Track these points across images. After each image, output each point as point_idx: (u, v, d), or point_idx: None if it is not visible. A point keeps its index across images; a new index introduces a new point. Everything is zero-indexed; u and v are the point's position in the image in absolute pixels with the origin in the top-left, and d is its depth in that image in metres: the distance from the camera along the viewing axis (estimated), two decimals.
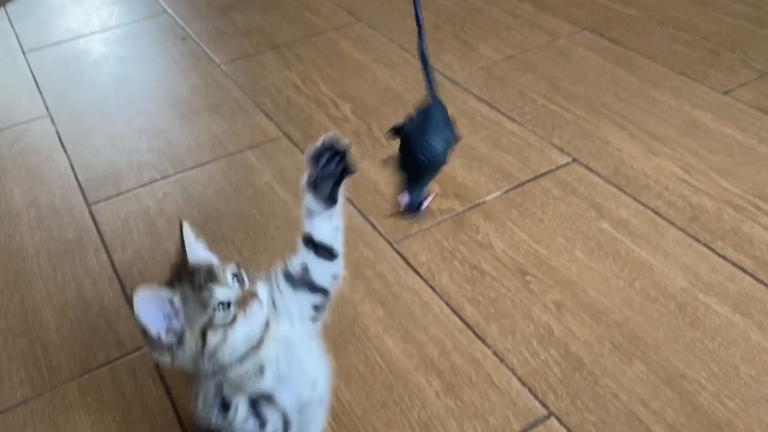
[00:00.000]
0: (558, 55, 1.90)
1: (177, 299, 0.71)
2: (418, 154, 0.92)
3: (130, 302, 1.24)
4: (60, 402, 1.10)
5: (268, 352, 0.75)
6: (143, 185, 1.55)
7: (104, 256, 1.37)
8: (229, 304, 0.72)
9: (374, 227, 1.39)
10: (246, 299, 0.72)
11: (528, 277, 1.25)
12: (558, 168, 1.50)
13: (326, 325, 1.19)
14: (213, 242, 1.37)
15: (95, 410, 1.08)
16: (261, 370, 0.75)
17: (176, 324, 0.71)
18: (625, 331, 1.14)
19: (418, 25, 0.94)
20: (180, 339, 0.71)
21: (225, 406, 0.76)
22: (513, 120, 1.66)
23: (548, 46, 1.95)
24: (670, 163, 1.49)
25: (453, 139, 0.97)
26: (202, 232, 1.40)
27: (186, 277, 0.73)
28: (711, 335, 1.12)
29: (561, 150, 1.55)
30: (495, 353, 1.12)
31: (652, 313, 1.17)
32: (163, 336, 0.71)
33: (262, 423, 0.77)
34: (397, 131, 0.95)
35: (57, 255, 1.38)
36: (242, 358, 0.74)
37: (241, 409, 0.76)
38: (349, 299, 1.24)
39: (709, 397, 1.03)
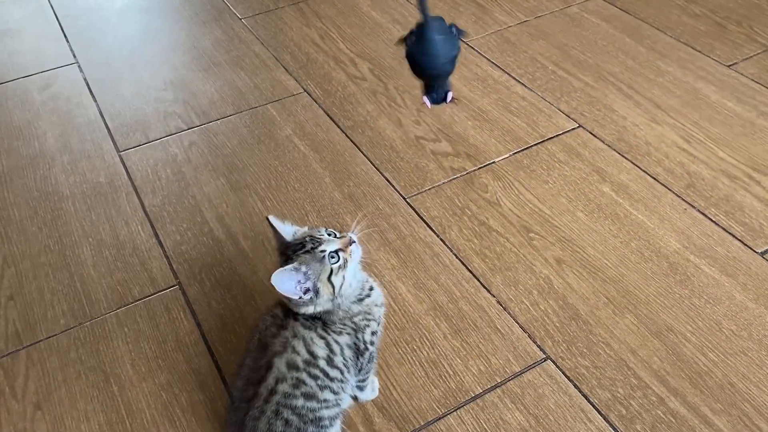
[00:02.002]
0: (570, 23, 1.96)
1: (303, 267, 0.91)
2: (421, 63, 1.08)
3: (161, 243, 1.35)
4: (100, 331, 1.21)
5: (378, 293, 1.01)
6: (170, 134, 1.63)
7: (135, 199, 1.46)
8: (337, 252, 0.92)
9: (389, 182, 1.48)
10: (345, 244, 0.94)
11: (532, 234, 1.34)
12: (564, 133, 1.58)
13: None
14: (237, 191, 1.47)
15: (132, 340, 1.19)
16: (381, 304, 1.02)
17: (308, 284, 0.91)
18: (619, 287, 1.24)
19: None
20: (317, 292, 0.92)
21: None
22: (523, 85, 1.73)
23: (561, 13, 2.00)
24: (671, 132, 1.56)
25: (453, 39, 1.10)
26: (227, 181, 1.50)
27: (298, 249, 0.93)
28: (698, 293, 1.22)
29: (568, 116, 1.62)
30: (499, 302, 1.22)
31: (645, 271, 1.26)
32: (303, 296, 0.91)
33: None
34: (403, 40, 1.11)
35: (91, 197, 1.47)
36: (361, 298, 0.98)
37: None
38: (365, 248, 1.33)
39: (692, 349, 1.14)
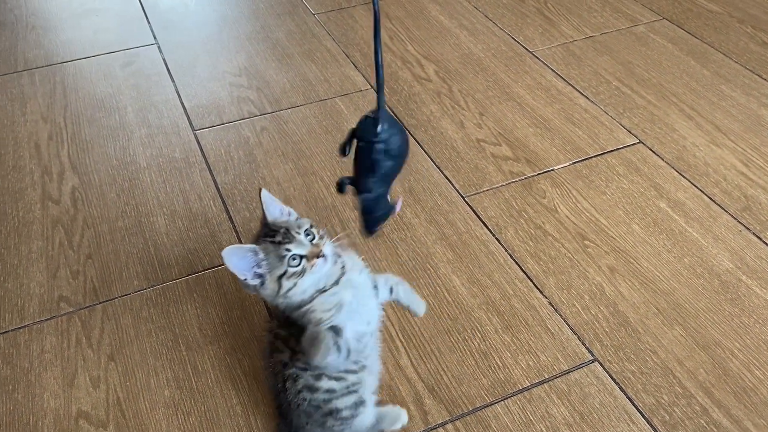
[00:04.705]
0: (636, 41, 1.98)
1: (261, 252, 0.88)
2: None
3: (232, 219, 1.42)
4: (171, 294, 1.28)
5: (346, 294, 0.92)
6: (243, 118, 1.71)
7: (208, 176, 1.54)
8: (300, 258, 0.87)
9: (449, 180, 1.53)
10: (313, 255, 0.88)
11: (587, 242, 1.38)
12: (624, 147, 1.61)
13: (401, 261, 1.35)
14: (305, 176, 1.54)
15: (201, 305, 1.26)
16: (340, 307, 0.91)
17: (261, 270, 0.88)
18: (670, 299, 1.27)
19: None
20: (262, 282, 0.88)
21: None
22: (586, 97, 1.77)
23: (627, 31, 2.03)
24: (731, 155, 1.58)
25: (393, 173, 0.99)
26: (295, 166, 1.57)
27: (268, 235, 0.89)
28: (748, 313, 1.24)
29: (629, 131, 1.66)
30: (551, 303, 1.26)
31: (696, 286, 1.29)
32: (249, 279, 0.88)
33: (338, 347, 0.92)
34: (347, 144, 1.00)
35: (166, 170, 1.56)
36: (314, 297, 0.90)
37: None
38: (423, 241, 1.38)
39: (739, 365, 1.16)
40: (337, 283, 0.91)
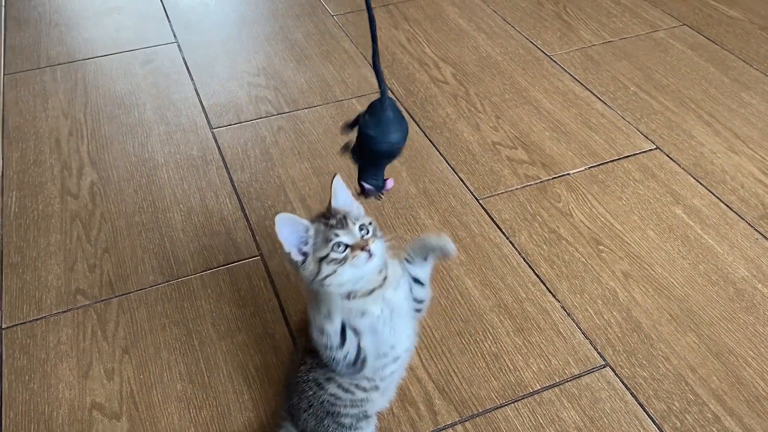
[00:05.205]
0: (655, 47, 1.97)
1: (312, 230, 0.87)
2: (378, 146, 0.96)
3: (247, 217, 1.43)
4: (185, 290, 1.29)
5: (374, 307, 0.89)
6: (260, 117, 1.72)
7: (225, 174, 1.55)
8: (345, 247, 0.86)
9: (463, 182, 1.53)
10: (359, 246, 0.86)
11: (601, 247, 1.37)
12: (641, 153, 1.60)
13: None
14: (320, 176, 1.54)
15: (215, 301, 1.27)
16: (362, 314, 0.89)
17: (306, 248, 0.87)
18: (683, 306, 1.26)
19: (373, 33, 0.93)
20: (304, 260, 0.87)
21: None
22: (604, 102, 1.76)
23: (647, 36, 2.02)
24: (749, 163, 1.57)
25: (406, 132, 0.99)
26: (311, 166, 1.58)
27: (325, 216, 0.89)
28: (764, 321, 1.23)
29: (646, 137, 1.65)
30: (563, 307, 1.26)
31: (711, 294, 1.28)
32: (294, 253, 0.87)
33: (342, 342, 0.90)
34: (353, 124, 0.99)
35: (183, 167, 1.57)
36: (349, 294, 0.88)
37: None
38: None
39: (752, 373, 1.15)
40: (369, 293, 0.89)
